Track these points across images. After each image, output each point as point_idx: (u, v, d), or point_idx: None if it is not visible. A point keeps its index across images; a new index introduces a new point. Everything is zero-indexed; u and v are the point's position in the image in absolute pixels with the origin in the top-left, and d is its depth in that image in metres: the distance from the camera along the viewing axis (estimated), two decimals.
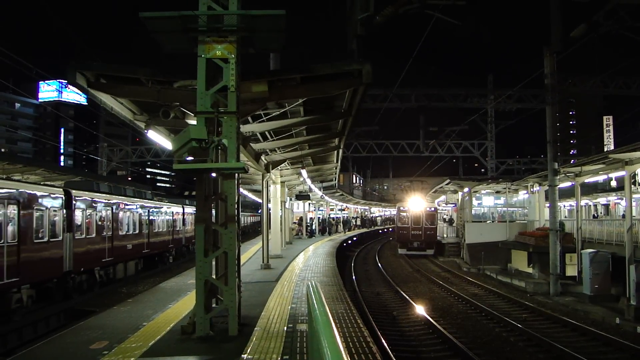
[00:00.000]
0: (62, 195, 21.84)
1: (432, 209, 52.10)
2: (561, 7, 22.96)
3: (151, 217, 34.58)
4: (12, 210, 17.80)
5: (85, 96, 14.27)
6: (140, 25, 9.82)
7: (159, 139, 16.05)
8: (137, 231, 31.47)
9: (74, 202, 22.76)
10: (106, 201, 26.83)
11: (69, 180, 27.86)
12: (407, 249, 49.60)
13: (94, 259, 25.24)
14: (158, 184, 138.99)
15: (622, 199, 41.02)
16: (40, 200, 19.87)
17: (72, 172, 36.43)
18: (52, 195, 21.02)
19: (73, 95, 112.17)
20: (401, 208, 52.09)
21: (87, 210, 24.41)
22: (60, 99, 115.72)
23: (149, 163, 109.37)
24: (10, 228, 17.58)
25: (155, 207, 36.54)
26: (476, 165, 63.60)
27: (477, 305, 22.90)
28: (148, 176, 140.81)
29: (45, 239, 20.12)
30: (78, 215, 23.31)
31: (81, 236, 23.53)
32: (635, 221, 24.36)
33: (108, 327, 11.36)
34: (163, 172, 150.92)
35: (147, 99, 12.50)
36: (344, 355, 3.07)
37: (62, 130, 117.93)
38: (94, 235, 24.91)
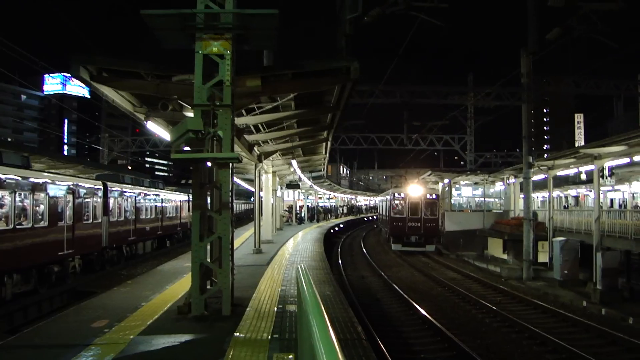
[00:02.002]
0: (102, 187, 25.61)
1: (434, 196, 41.09)
2: (537, 12, 23.05)
3: (164, 204, 38.11)
4: (70, 198, 21.31)
5: (88, 89, 14.17)
6: (141, 21, 9.76)
7: (158, 130, 15.98)
8: (153, 216, 35.18)
9: (109, 191, 26.36)
10: (131, 191, 30.60)
11: (100, 173, 31.13)
12: (402, 244, 39.35)
13: (123, 237, 29.07)
14: (156, 173, 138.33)
15: (590, 191, 41.29)
16: (87, 190, 23.57)
17: (75, 161, 36.54)
18: (95, 187, 24.82)
19: (77, 88, 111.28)
20: (396, 194, 41.37)
21: (118, 199, 28.14)
22: (64, 92, 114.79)
23: (147, 153, 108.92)
24: (68, 212, 21.13)
25: (166, 196, 39.83)
26: (456, 158, 63.93)
27: (455, 288, 23.04)
28: (147, 165, 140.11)
29: (90, 221, 23.91)
30: (111, 202, 26.91)
31: (114, 219, 27.17)
32: (602, 212, 24.55)
33: (108, 307, 11.32)
34: (161, 161, 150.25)
35: (147, 92, 12.44)
36: (332, 335, 3.08)
37: (66, 121, 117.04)
38: (122, 218, 28.68)
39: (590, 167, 25.85)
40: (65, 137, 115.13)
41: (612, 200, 45.61)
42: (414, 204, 39.97)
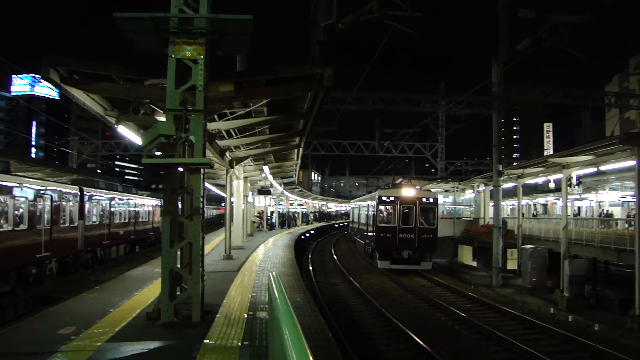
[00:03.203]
0: (78, 192, 26.30)
1: (431, 199, 32.77)
2: (509, 22, 23.41)
3: (136, 209, 38.97)
4: (48, 202, 21.90)
5: (58, 91, 13.99)
6: (114, 24, 9.67)
7: (129, 134, 15.85)
8: (126, 220, 35.90)
9: (85, 196, 27.08)
10: (105, 196, 31.44)
11: (76, 178, 31.33)
12: (391, 262, 31.32)
13: (97, 241, 29.83)
14: (126, 177, 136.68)
15: (559, 200, 41.95)
16: (65, 195, 24.29)
17: (43, 164, 35.99)
18: (71, 192, 25.49)
19: (46, 90, 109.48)
20: (384, 198, 32.67)
21: (93, 203, 28.97)
22: (33, 93, 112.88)
23: (118, 157, 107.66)
24: (45, 216, 21.64)
25: (139, 201, 40.51)
26: (427, 165, 64.43)
27: (425, 295, 23.18)
28: (117, 169, 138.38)
29: (67, 224, 24.58)
30: (87, 207, 27.65)
31: (89, 223, 27.96)
32: (570, 220, 24.95)
33: (76, 313, 11.14)
34: (131, 165, 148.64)
35: (119, 95, 12.32)
36: (305, 344, 3.10)
37: (34, 123, 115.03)
38: (97, 222, 29.59)
39: (559, 175, 26.24)
40: (33, 139, 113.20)
41: (579, 208, 46.38)
42: (406, 209, 32.06)
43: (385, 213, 32.77)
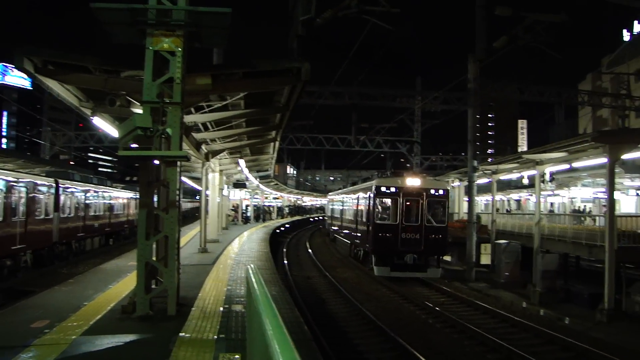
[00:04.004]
0: (54, 184, 26.22)
1: (441, 191, 27.16)
2: (485, 20, 23.67)
3: (111, 202, 38.94)
4: (22, 195, 21.99)
5: (30, 80, 13.84)
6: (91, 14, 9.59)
7: (105, 125, 15.72)
8: (101, 213, 36.04)
9: (60, 188, 26.95)
10: (81, 188, 31.40)
11: (50, 170, 30.40)
12: (391, 268, 25.71)
13: (72, 233, 29.75)
14: (100, 169, 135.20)
15: (532, 195, 42.52)
16: (40, 187, 24.34)
17: (15, 155, 35.44)
18: (46, 184, 25.45)
19: (17, 79, 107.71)
20: (382, 189, 26.91)
21: (68, 195, 28.84)
22: (3, 82, 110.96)
23: (91, 148, 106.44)
24: (21, 208, 21.83)
25: (114, 193, 40.70)
26: (402, 160, 64.81)
27: (398, 289, 23.38)
28: (90, 161, 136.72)
29: (42, 217, 24.62)
30: (62, 199, 27.53)
31: (64, 215, 27.84)
32: (542, 216, 25.33)
33: (49, 307, 11.05)
34: (105, 157, 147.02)
35: (94, 86, 12.22)
36: (287, 334, 3.16)
37: (5, 113, 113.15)
38: (72, 215, 29.46)
39: (533, 172, 26.65)
40: (4, 129, 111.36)
41: (552, 204, 47.05)
42: (410, 203, 26.64)
43: (384, 207, 27.34)
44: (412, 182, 26.88)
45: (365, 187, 30.42)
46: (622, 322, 18.09)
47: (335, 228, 45.15)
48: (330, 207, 52.98)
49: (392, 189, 26.71)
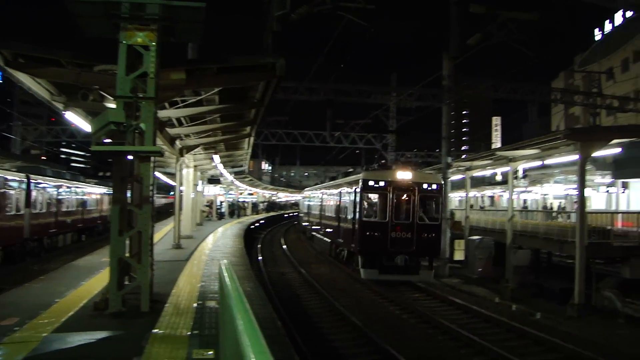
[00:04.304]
0: (25, 179, 26.05)
1: (434, 185, 24.70)
2: (460, 17, 23.90)
3: (84, 197, 38.68)
4: None
5: (0, 74, 13.61)
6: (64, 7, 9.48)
7: (77, 120, 15.56)
8: (74, 208, 35.67)
9: (31, 184, 26.74)
10: (53, 184, 31.15)
11: (21, 165, 30.01)
12: (380, 271, 23.60)
13: (44, 229, 29.51)
14: (72, 164, 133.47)
15: (505, 192, 43.02)
16: (10, 183, 24.18)
17: None
18: (17, 179, 25.30)
19: None
20: (370, 182, 24.41)
21: (40, 191, 28.54)
22: None
23: (64, 143, 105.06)
24: None
25: (87, 189, 40.30)
26: (376, 156, 65.16)
27: (372, 285, 23.47)
28: (62, 156, 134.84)
29: (13, 213, 24.40)
30: (34, 195, 27.30)
31: (35, 211, 27.59)
32: (515, 212, 25.68)
33: (19, 304, 10.89)
34: (78, 152, 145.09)
35: (67, 80, 12.07)
36: (258, 329, 3.18)
37: None
38: (44, 210, 29.09)
39: (506, 168, 27.00)
40: None
41: (525, 200, 47.67)
42: (401, 198, 24.33)
43: (371, 203, 25.07)
44: (403, 175, 24.33)
45: (350, 181, 27.91)
46: (592, 317, 18.50)
47: (313, 225, 42.45)
48: (307, 203, 50.17)
49: (381, 183, 24.27)
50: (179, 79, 11.80)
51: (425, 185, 24.34)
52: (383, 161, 31.45)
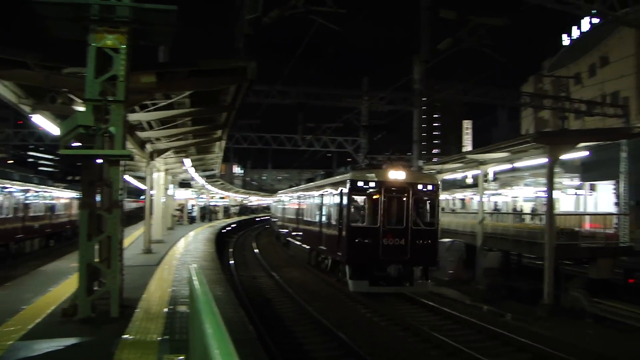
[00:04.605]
0: None
1: (430, 186, 22.43)
2: (430, 22, 24.17)
3: (52, 202, 38.24)
4: None
5: None
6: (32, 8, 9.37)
7: (45, 123, 15.32)
8: (42, 213, 35.28)
9: None
10: (20, 188, 30.79)
11: None
12: (370, 282, 21.19)
13: (10, 234, 29.17)
14: (40, 168, 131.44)
15: (476, 195, 43.48)
16: None
17: None
18: None
19: None
20: (359, 183, 21.84)
21: (6, 195, 28.30)
22: None
23: (31, 147, 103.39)
24: None
25: (56, 193, 39.98)
26: (349, 160, 65.28)
27: (343, 289, 23.49)
28: (30, 160, 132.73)
29: None
30: (0, 199, 27.25)
31: (1, 216, 27.44)
32: (486, 214, 25.99)
33: None
34: (46, 156, 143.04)
35: (34, 83, 11.88)
36: (226, 333, 3.18)
37: None
38: (11, 215, 28.77)
39: (477, 171, 27.33)
40: None
41: (496, 203, 48.22)
42: (394, 201, 21.96)
43: (361, 207, 22.32)
44: (396, 175, 21.88)
45: (334, 181, 25.23)
46: (561, 317, 18.81)
47: (289, 230, 39.34)
48: (281, 206, 47.37)
49: (371, 184, 21.72)
50: (150, 82, 11.72)
51: (420, 186, 22.07)
52: (368, 161, 27.95)
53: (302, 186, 38.05)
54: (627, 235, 23.30)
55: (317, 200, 28.21)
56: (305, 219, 32.26)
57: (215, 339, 3.06)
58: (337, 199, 23.44)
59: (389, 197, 21.71)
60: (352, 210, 22.11)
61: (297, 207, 36.39)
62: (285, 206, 44.20)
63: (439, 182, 23.47)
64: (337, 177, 26.12)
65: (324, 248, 26.24)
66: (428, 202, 22.61)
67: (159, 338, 8.85)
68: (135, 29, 10.08)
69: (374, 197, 21.71)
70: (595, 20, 57.33)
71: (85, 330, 9.27)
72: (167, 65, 14.18)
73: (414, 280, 21.90)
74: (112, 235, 10.29)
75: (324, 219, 26.21)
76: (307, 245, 30.91)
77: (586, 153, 23.55)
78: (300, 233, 33.51)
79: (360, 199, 22.27)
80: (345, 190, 22.07)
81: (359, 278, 21.25)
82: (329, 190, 25.49)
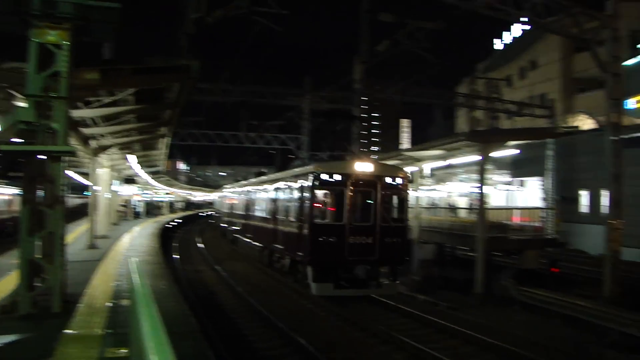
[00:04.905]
0: None
1: (399, 180, 20.41)
2: (369, 24, 24.46)
3: None
4: None
5: None
6: None
7: None
8: None
9: None
10: None
11: None
12: (335, 285, 19.10)
13: None
14: None
15: (413, 190, 44.14)
16: None
17: None
18: None
19: None
20: (324, 177, 19.49)
21: None
22: None
23: None
24: None
25: None
26: (291, 157, 65.44)
27: (284, 280, 23.51)
28: None
29: None
30: None
31: None
32: (421, 209, 26.45)
33: None
34: None
35: None
36: (160, 325, 3.17)
37: None
38: None
39: (414, 168, 27.70)
40: None
41: (433, 198, 49.16)
42: (362, 196, 19.94)
43: (324, 202, 20.06)
44: (363, 167, 19.80)
45: (294, 174, 22.59)
46: (491, 305, 19.41)
47: (238, 227, 36.44)
48: (228, 202, 44.11)
49: (337, 177, 19.46)
50: (93, 79, 11.48)
51: (388, 179, 20.01)
52: (330, 153, 23.43)
53: (254, 180, 34.82)
54: (552, 227, 24.11)
55: (272, 194, 25.68)
56: (257, 215, 29.65)
57: (150, 331, 3.05)
58: (297, 194, 21.14)
59: (355, 191, 19.54)
60: (315, 205, 19.73)
61: (247, 202, 33.43)
62: (234, 201, 41.03)
63: (409, 175, 21.24)
64: (297, 169, 23.47)
65: (281, 247, 23.56)
66: (397, 196, 20.62)
67: (102, 332, 8.70)
68: (78, 25, 9.84)
69: (340, 191, 19.49)
70: (526, 27, 58.98)
71: (26, 327, 9.02)
72: (111, 62, 13.91)
73: (382, 281, 19.79)
74: (54, 231, 10.04)
75: (280, 215, 23.73)
76: (259, 243, 28.43)
77: (516, 151, 24.32)
78: (250, 229, 31.20)
79: (324, 193, 19.94)
80: (308, 184, 19.70)
81: (323, 280, 19.06)
82: (288, 183, 23.06)
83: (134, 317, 4.57)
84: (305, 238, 19.63)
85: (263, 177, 31.60)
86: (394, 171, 20.74)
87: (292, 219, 21.63)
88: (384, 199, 19.89)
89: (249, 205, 32.56)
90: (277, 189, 24.77)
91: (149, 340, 2.88)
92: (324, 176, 19.38)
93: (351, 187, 19.35)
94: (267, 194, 27.22)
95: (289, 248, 22.17)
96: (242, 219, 34.29)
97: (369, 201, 19.74)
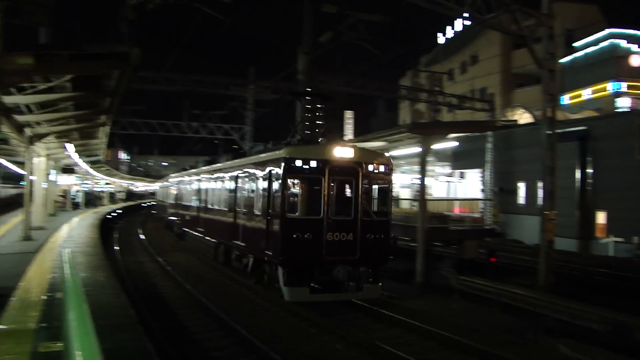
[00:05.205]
0: None
1: (382, 167, 17.31)
2: (312, 15, 24.45)
3: None
4: None
5: None
6: None
7: None
8: None
9: None
10: None
11: None
12: (311, 289, 16.34)
13: None
14: None
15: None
16: None
17: None
18: None
19: None
20: (297, 163, 16.17)
21: None
22: None
23: None
24: None
25: None
26: (235, 147, 64.93)
27: (226, 272, 23.31)
28: None
29: None
30: None
31: None
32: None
33: None
34: None
35: None
36: (87, 316, 3.09)
37: None
38: None
39: None
40: None
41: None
42: (341, 185, 17.46)
43: (297, 193, 17.12)
44: (342, 152, 16.80)
45: (263, 160, 18.93)
46: (431, 294, 19.87)
47: (186, 220, 33.56)
48: (174, 192, 40.37)
49: (313, 163, 16.38)
50: (26, 64, 11.05)
51: (371, 167, 17.11)
52: (299, 137, 20.44)
53: (206, 168, 30.48)
54: (491, 218, 24.78)
55: (231, 183, 22.59)
56: (211, 207, 26.65)
57: (76, 323, 2.97)
58: (264, 183, 18.04)
59: (334, 180, 16.83)
60: (288, 196, 16.72)
61: (199, 192, 30.10)
62: (182, 191, 37.09)
63: (391, 162, 18.35)
64: (264, 155, 19.64)
65: (242, 244, 20.61)
66: (380, 186, 17.91)
67: (36, 326, 8.44)
68: (9, 6, 9.47)
69: (317, 180, 16.53)
70: (467, 22, 60.16)
71: None
72: (47, 47, 13.42)
73: (362, 283, 16.84)
74: None
75: (242, 207, 20.64)
76: (213, 239, 25.80)
77: (456, 143, 24.86)
78: (202, 223, 28.25)
79: (298, 182, 17.02)
80: (279, 171, 16.63)
81: (297, 284, 16.31)
82: (251, 171, 19.86)
83: (65, 309, 4.46)
84: (275, 235, 16.77)
85: (218, 164, 27.51)
86: (377, 157, 17.84)
87: (257, 212, 18.71)
88: (366, 190, 17.32)
89: (200, 196, 29.65)
90: (237, 178, 21.63)
91: (75, 332, 2.80)
92: (298, 162, 16.34)
93: (330, 175, 16.51)
94: (223, 183, 24.34)
95: (253, 246, 19.28)
96: (192, 211, 31.47)
97: (349, 192, 17.26)
